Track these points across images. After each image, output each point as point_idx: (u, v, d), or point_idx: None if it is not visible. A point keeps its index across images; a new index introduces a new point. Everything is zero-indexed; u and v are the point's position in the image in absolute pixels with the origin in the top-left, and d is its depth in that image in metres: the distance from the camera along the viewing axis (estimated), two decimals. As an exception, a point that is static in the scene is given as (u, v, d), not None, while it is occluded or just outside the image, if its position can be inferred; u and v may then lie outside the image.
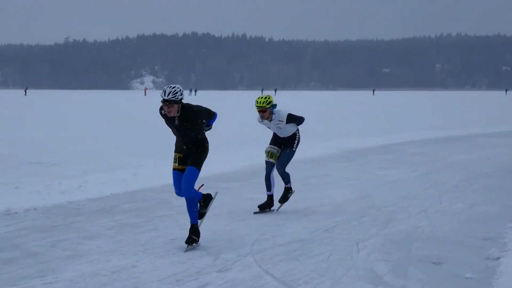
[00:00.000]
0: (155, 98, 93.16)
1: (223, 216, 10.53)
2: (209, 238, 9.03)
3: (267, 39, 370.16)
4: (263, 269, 7.48)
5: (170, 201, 11.70)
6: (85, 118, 40.53)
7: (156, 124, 33.68)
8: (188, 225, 8.87)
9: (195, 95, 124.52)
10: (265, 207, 11.00)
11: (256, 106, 10.58)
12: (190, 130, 8.48)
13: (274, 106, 10.69)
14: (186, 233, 9.29)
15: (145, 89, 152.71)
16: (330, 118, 43.29)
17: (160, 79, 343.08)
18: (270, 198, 11.06)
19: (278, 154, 10.95)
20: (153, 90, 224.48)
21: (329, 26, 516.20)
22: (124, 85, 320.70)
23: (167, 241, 8.86)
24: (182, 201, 11.60)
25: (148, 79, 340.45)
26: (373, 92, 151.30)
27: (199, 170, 8.61)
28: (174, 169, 8.78)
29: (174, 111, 8.25)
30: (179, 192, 8.80)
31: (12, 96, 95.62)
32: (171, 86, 8.24)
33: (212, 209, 11.00)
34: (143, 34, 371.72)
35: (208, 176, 14.80)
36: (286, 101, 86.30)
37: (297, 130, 11.09)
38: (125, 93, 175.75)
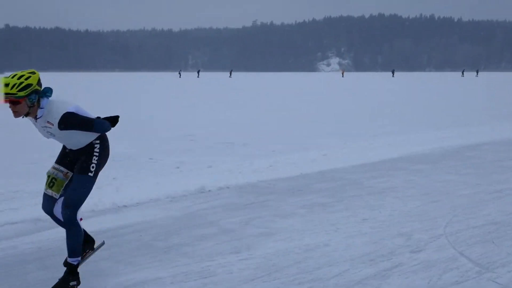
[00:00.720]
0: (353, 80, 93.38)
1: (415, 197, 10.36)
2: (401, 219, 8.93)
3: (456, 20, 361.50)
4: (457, 250, 7.32)
5: (360, 182, 11.69)
6: (281, 99, 41.08)
7: (349, 105, 33.76)
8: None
9: (393, 76, 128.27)
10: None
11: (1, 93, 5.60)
12: None
13: (46, 93, 5.76)
14: (377, 214, 9.25)
15: (343, 71, 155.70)
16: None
17: (346, 61, 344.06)
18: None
19: (66, 182, 6.17)
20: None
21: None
22: (310, 67, 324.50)
23: (358, 221, 8.84)
24: (372, 182, 11.62)
25: (334, 61, 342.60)
26: None
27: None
28: None
29: None
30: None
31: (221, 79, 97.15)
32: None
33: (404, 191, 10.92)
34: (330, 16, 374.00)
35: (398, 158, 14.70)
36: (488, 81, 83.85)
37: (97, 138, 6.17)
38: (317, 75, 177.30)
